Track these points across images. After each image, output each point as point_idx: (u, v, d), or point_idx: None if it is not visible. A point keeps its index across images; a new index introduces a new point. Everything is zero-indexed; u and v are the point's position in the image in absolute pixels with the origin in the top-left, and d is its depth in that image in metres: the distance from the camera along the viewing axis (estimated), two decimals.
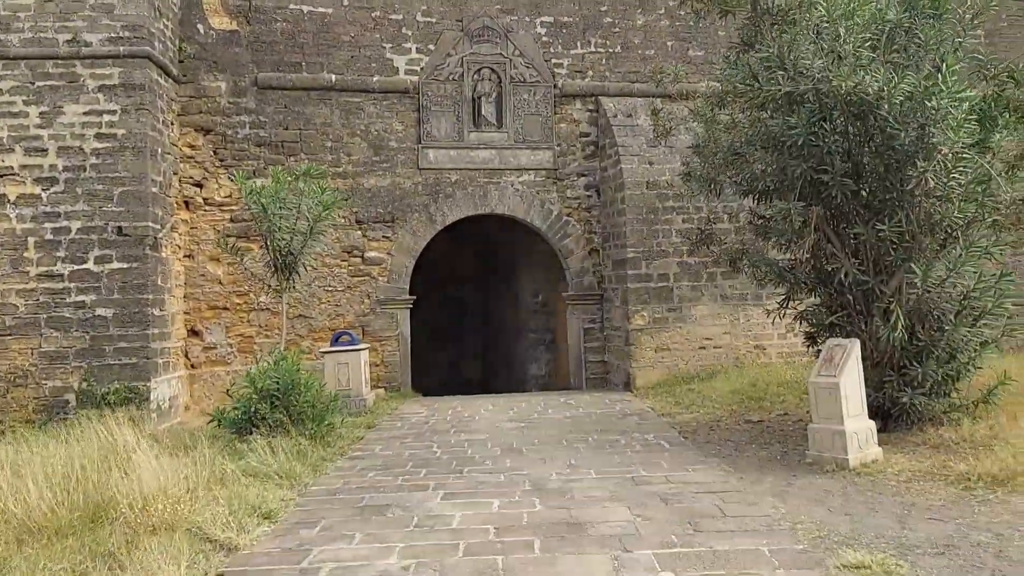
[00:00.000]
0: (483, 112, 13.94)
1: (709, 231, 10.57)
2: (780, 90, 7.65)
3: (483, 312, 20.40)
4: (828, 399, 7.37)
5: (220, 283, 12.97)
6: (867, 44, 7.68)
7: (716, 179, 8.89)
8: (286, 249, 8.70)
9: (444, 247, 20.11)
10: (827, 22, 7.76)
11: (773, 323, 8.81)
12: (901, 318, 7.91)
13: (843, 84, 7.37)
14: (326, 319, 13.36)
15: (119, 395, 11.00)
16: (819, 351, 8.98)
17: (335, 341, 12.22)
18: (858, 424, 7.37)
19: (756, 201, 9.42)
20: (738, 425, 9.72)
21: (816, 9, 7.79)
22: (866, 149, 8.25)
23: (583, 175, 14.40)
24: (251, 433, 8.52)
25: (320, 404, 8.92)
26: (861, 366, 7.53)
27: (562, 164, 14.30)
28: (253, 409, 8.55)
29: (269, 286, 8.87)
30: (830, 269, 8.54)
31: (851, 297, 8.59)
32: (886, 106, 7.50)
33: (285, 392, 8.58)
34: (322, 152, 13.41)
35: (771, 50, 7.93)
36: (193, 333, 12.96)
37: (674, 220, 13.50)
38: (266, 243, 8.73)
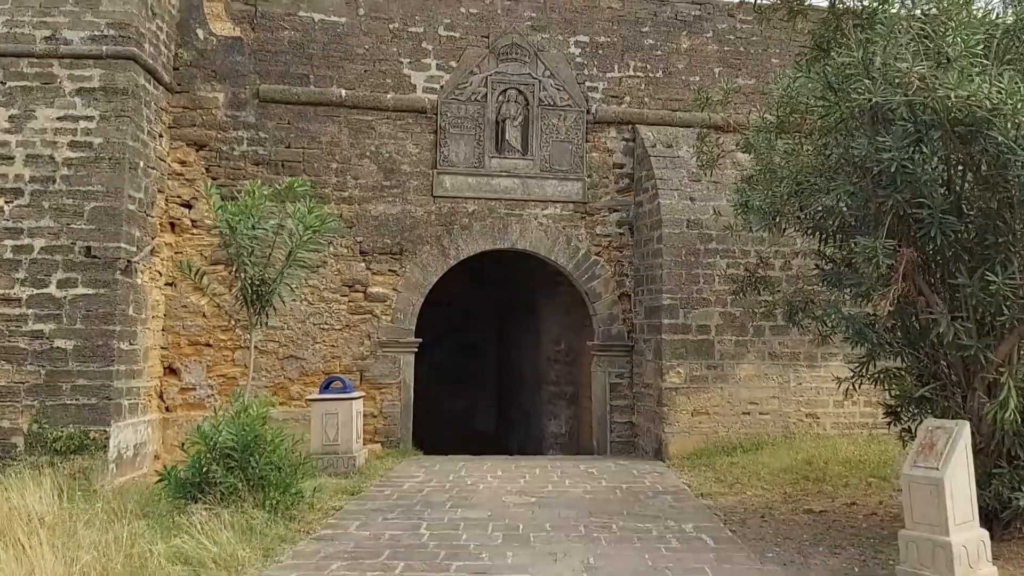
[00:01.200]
0: (507, 137, 12.53)
1: (761, 275, 8.91)
2: (868, 100, 6.07)
3: (499, 358, 18.80)
4: (928, 499, 5.64)
5: (203, 316, 11.56)
6: (978, 48, 6.11)
7: (780, 211, 7.29)
8: (258, 278, 7.24)
9: (459, 286, 18.61)
10: (926, 19, 6.23)
11: (845, 391, 7.14)
12: (1013, 394, 6.21)
13: (951, 94, 5.79)
14: (320, 361, 11.86)
15: (71, 441, 9.54)
16: (905, 431, 7.27)
17: (325, 388, 10.69)
18: (967, 535, 5.63)
19: (823, 241, 7.80)
20: (796, 516, 7.96)
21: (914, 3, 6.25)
22: (971, 179, 6.63)
23: (615, 210, 12.87)
24: (199, 500, 6.97)
25: (288, 467, 7.36)
26: (971, 458, 5.80)
27: (592, 197, 12.80)
28: (205, 470, 7.01)
29: (236, 320, 7.39)
30: (920, 327, 6.87)
31: (946, 364, 6.90)
32: (1001, 125, 5.90)
33: (244, 451, 7.03)
34: (326, 173, 12.06)
35: (854, 55, 6.38)
36: (170, 371, 11.52)
37: (717, 264, 11.88)
38: (236, 270, 7.29)
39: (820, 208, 7.11)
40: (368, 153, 12.21)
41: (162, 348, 11.42)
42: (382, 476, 10.05)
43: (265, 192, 7.29)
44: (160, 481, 7.56)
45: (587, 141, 12.80)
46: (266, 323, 7.58)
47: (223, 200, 7.82)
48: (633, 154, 12.92)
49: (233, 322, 7.33)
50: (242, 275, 7.18)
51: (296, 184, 7.36)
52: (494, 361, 18.98)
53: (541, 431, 14.68)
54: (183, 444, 7.74)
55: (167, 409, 11.39)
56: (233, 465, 6.97)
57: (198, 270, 7.47)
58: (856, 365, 7.20)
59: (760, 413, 11.89)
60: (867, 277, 6.56)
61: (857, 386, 7.27)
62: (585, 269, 12.74)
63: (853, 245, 6.95)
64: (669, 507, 8.39)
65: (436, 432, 18.64)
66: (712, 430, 11.67)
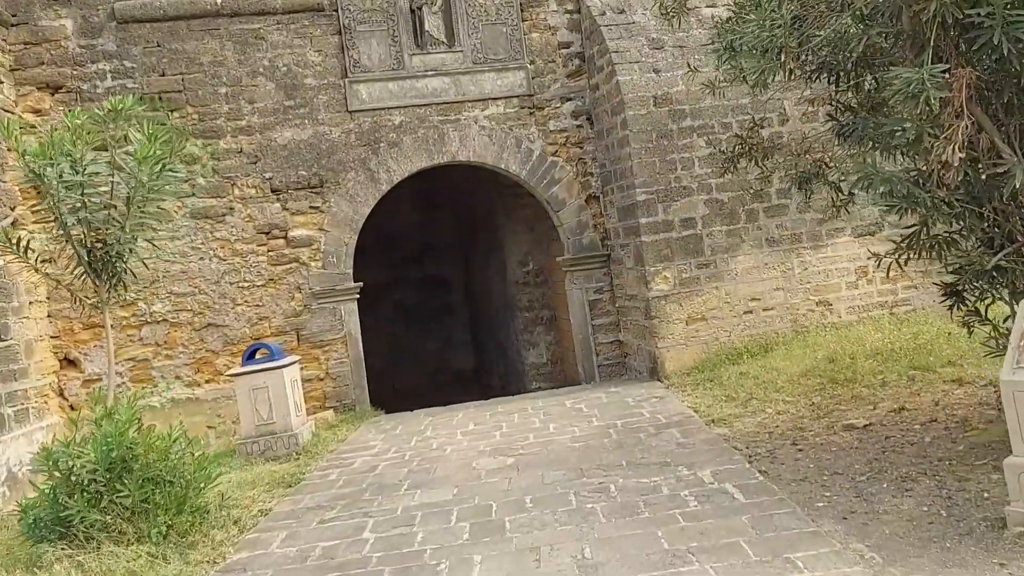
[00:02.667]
0: (428, 27, 10.41)
1: (756, 141, 7.01)
2: None
3: (467, 290, 17.03)
4: None
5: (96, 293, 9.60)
6: None
7: (780, 45, 5.39)
8: (95, 240, 5.31)
9: (412, 216, 16.76)
10: None
11: (873, 269, 5.49)
12: None
13: None
14: (246, 326, 10.01)
15: None
16: (971, 313, 5.60)
17: (248, 358, 8.87)
18: None
19: (835, 84, 5.95)
20: (835, 436, 6.36)
21: None
22: None
23: (568, 99, 10.89)
24: (63, 540, 5.24)
25: (182, 478, 5.61)
26: None
27: (539, 87, 10.80)
28: (63, 505, 5.24)
29: (78, 298, 5.50)
30: (984, 180, 5.12)
31: (1021, 224, 5.18)
32: None
33: (112, 471, 5.26)
34: (215, 101, 9.95)
35: None
36: (68, 363, 9.66)
37: (695, 144, 10.02)
38: (61, 230, 5.33)
39: (832, 35, 5.23)
40: (262, 69, 10.09)
41: (52, 337, 9.53)
42: (331, 452, 8.37)
43: (79, 120, 5.29)
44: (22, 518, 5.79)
45: (524, 20, 10.72)
46: (120, 297, 5.70)
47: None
48: (580, 28, 10.87)
49: (77, 301, 5.43)
50: (67, 235, 5.26)
51: (119, 104, 5.33)
52: (462, 293, 17.21)
53: (521, 363, 13.05)
54: (31, 466, 5.90)
55: (72, 407, 9.56)
56: (98, 491, 5.21)
57: (19, 238, 5.52)
58: (902, 236, 5.43)
59: (764, 310, 10.25)
60: (913, 120, 4.75)
61: (902, 262, 5.54)
62: (543, 174, 10.84)
63: (882, 81, 5.14)
64: (677, 446, 6.77)
65: (413, 377, 17.05)
66: (712, 337, 10.05)
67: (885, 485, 5.09)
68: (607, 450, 6.92)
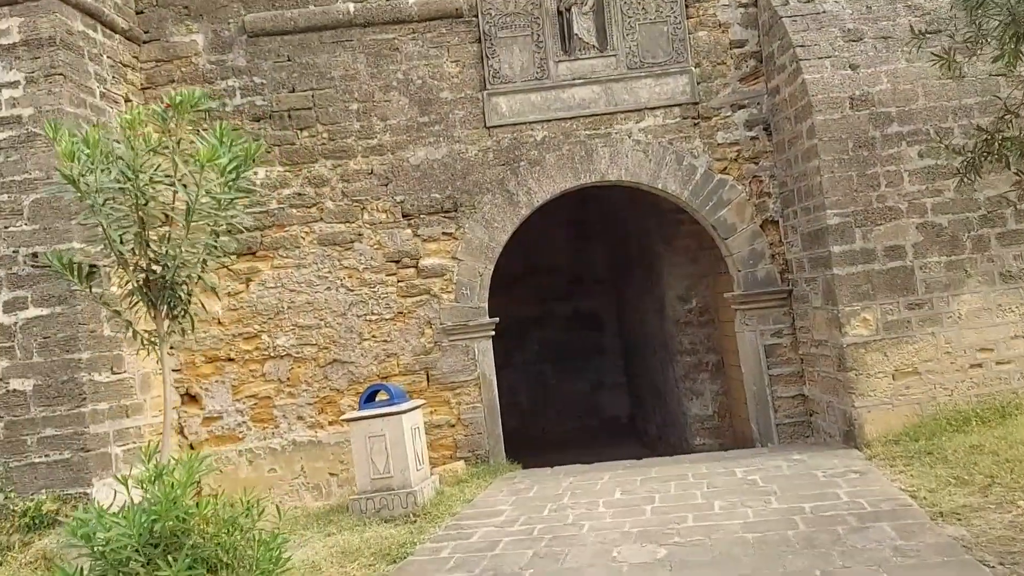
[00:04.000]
0: (576, 30, 9.18)
1: (1012, 135, 5.11)
2: None
3: (621, 327, 15.48)
4: None
5: (219, 323, 9.03)
6: None
7: None
8: (154, 262, 4.38)
9: (567, 246, 15.52)
10: None
11: None
12: None
13: None
14: (372, 363, 9.06)
15: (42, 514, 7.19)
16: None
17: (367, 401, 7.85)
18: None
19: None
20: None
21: None
22: None
23: (741, 106, 9.26)
24: None
25: (245, 559, 4.51)
26: None
27: (706, 94, 9.25)
28: None
29: (135, 332, 4.59)
30: None
31: None
32: None
33: (158, 546, 4.24)
34: (346, 119, 9.18)
35: None
36: (189, 398, 9.09)
37: (905, 155, 8.09)
38: (105, 250, 4.42)
39: None
40: (395, 83, 9.22)
41: (173, 371, 9.00)
42: (453, 516, 7.13)
43: (135, 114, 4.39)
44: None
45: (688, 17, 9.24)
46: (187, 331, 4.75)
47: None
48: (756, 24, 9.25)
49: (134, 336, 4.52)
50: (121, 261, 4.37)
51: (179, 98, 4.41)
52: (616, 331, 15.66)
53: (682, 414, 11.35)
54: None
55: (191, 447, 8.96)
56: (136, 573, 4.19)
57: (79, 265, 4.73)
58: None
59: (998, 363, 8.06)
60: None
61: None
62: (708, 195, 9.24)
63: None
64: (893, 551, 4.94)
65: (562, 421, 15.67)
66: (927, 396, 7.98)
67: None
68: (793, 549, 5.20)
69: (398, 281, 9.13)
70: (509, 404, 16.05)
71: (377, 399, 7.89)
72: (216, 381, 8.99)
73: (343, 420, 8.12)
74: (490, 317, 9.20)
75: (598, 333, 15.82)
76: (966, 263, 8.06)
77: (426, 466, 7.96)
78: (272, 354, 9.01)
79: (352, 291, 9.07)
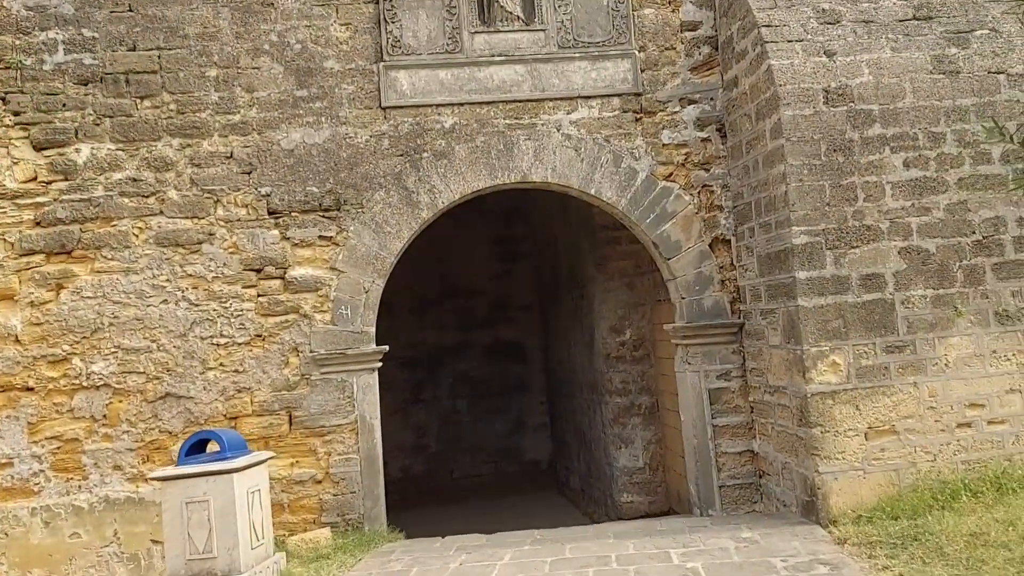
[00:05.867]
0: None
1: None
2: None
3: (546, 361, 13.76)
4: None
5: (16, 341, 6.93)
6: None
7: None
8: None
9: (490, 265, 13.80)
10: None
11: None
12: None
13: None
14: (218, 399, 7.08)
15: None
16: None
17: (188, 453, 5.86)
18: None
19: None
20: None
21: None
22: None
23: (692, 100, 7.69)
24: None
25: None
26: None
27: (651, 83, 7.66)
28: None
29: None
30: None
31: None
32: None
33: None
34: (200, 88, 7.26)
35: None
36: None
37: (888, 163, 6.62)
38: None
39: None
40: (267, 47, 7.36)
41: None
42: None
43: None
44: None
45: None
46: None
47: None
48: (712, 4, 7.73)
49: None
50: None
51: None
52: (541, 365, 13.93)
53: (608, 465, 9.65)
54: None
55: None
56: None
57: None
58: None
59: (989, 423, 6.62)
60: None
61: None
62: (650, 205, 7.62)
63: None
64: None
65: (471, 466, 13.86)
66: (906, 461, 6.47)
67: None
68: None
69: (258, 295, 7.19)
70: (416, 446, 14.22)
71: (208, 450, 5.93)
72: (7, 416, 6.86)
73: (150, 479, 6.13)
74: (378, 345, 7.35)
75: (521, 366, 14.06)
76: (956, 298, 6.61)
77: (267, 541, 6.00)
78: (85, 383, 6.94)
79: (196, 306, 7.09)
